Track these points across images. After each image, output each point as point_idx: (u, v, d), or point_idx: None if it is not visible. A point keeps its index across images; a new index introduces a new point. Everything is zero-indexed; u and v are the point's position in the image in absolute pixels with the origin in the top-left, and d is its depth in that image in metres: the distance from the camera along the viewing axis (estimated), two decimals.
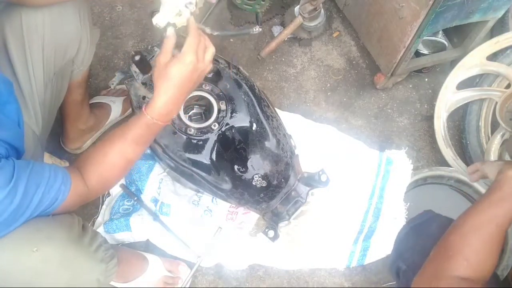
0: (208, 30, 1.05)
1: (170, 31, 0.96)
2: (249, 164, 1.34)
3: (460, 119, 1.68)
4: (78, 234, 0.95)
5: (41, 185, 0.85)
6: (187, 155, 1.30)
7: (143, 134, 0.99)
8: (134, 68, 1.31)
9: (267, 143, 1.35)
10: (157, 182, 1.50)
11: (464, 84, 1.60)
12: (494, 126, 1.55)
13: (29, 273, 0.88)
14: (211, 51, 0.99)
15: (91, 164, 0.98)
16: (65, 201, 0.90)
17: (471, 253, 0.84)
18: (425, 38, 1.52)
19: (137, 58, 1.14)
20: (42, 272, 0.89)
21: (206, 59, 0.99)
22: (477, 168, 1.12)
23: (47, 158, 1.49)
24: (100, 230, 1.44)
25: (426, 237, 1.02)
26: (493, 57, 1.58)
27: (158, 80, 0.95)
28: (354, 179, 1.54)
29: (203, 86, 1.32)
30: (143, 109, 0.97)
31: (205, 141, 1.30)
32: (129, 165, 1.04)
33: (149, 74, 1.29)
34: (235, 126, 1.32)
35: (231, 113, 1.32)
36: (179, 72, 0.94)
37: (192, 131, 1.29)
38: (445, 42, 1.68)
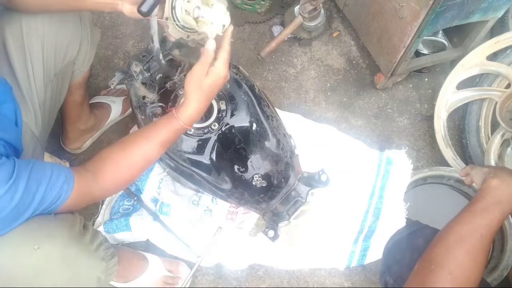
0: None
1: (211, 45, 0.99)
2: (249, 164, 1.34)
3: (460, 119, 1.68)
4: (79, 232, 0.95)
5: (43, 183, 0.86)
6: (187, 155, 1.30)
7: (170, 138, 1.02)
8: (134, 68, 1.31)
9: (267, 143, 1.35)
10: (157, 182, 1.50)
11: (464, 84, 1.60)
12: (494, 126, 1.55)
13: (30, 271, 0.88)
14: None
15: (109, 164, 0.98)
16: (68, 200, 0.90)
17: (455, 266, 0.83)
18: (425, 38, 1.52)
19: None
20: (43, 270, 0.89)
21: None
22: (468, 172, 1.11)
23: (47, 158, 1.49)
24: (100, 230, 1.44)
25: (412, 250, 1.01)
26: (493, 57, 1.58)
27: (194, 90, 1.00)
28: (354, 179, 1.54)
29: None
30: (174, 114, 1.00)
31: (205, 141, 1.30)
32: (148, 166, 1.06)
33: (151, 73, 1.30)
34: (235, 125, 1.32)
35: (231, 112, 1.32)
36: (214, 84, 1.00)
37: (192, 131, 1.29)
38: (445, 42, 1.68)
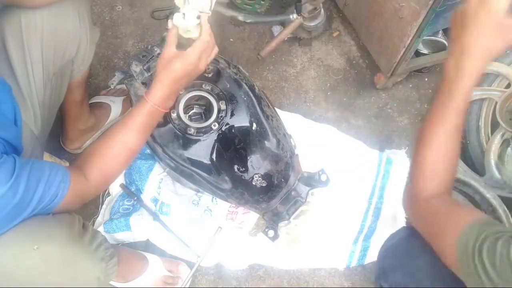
0: (240, 18, 1.10)
1: (170, 24, 1.03)
2: (249, 163, 1.34)
3: None
4: (78, 233, 0.95)
5: (42, 181, 0.86)
6: (187, 155, 1.30)
7: (145, 121, 1.03)
8: (134, 68, 1.31)
9: (267, 143, 1.35)
10: (157, 182, 1.50)
11: None
12: (494, 126, 1.55)
13: (30, 272, 0.88)
14: (214, 52, 1.07)
15: (94, 157, 1.00)
16: (65, 198, 0.90)
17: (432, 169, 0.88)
18: (425, 38, 1.52)
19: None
20: (42, 271, 0.89)
21: (209, 60, 1.07)
22: None
23: (47, 158, 1.49)
24: (100, 230, 1.44)
25: (407, 256, 0.99)
26: None
27: (161, 71, 1.03)
28: (354, 179, 1.54)
29: (203, 85, 1.32)
30: (144, 96, 1.03)
31: (205, 140, 1.30)
32: (132, 155, 1.06)
33: (151, 73, 1.30)
34: (235, 125, 1.32)
35: (231, 112, 1.32)
36: (181, 68, 1.02)
37: (192, 131, 1.29)
38: (445, 42, 1.68)
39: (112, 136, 1.02)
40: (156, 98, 1.02)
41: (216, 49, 1.08)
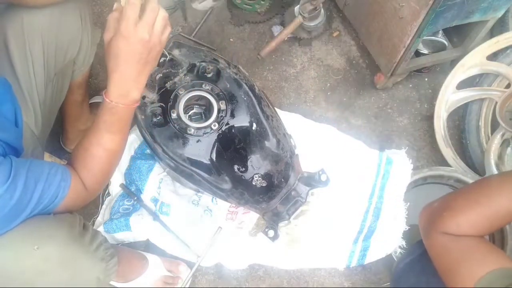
0: None
1: (116, 6, 0.90)
2: (249, 163, 1.34)
3: (460, 119, 1.68)
4: (78, 233, 0.95)
5: (41, 181, 0.86)
6: (187, 155, 1.29)
7: (111, 121, 0.96)
8: None
9: (267, 143, 1.35)
10: (157, 182, 1.50)
11: (464, 84, 1.60)
12: (494, 126, 1.55)
13: (30, 272, 0.88)
14: (161, 16, 0.90)
15: (78, 160, 0.99)
16: (65, 198, 0.90)
17: None
18: (425, 38, 1.52)
19: None
20: (43, 271, 0.89)
21: (156, 26, 0.90)
22: None
23: (47, 158, 1.49)
24: (100, 230, 1.45)
25: (428, 275, 0.95)
26: (493, 56, 1.58)
27: (106, 60, 0.90)
28: (354, 179, 1.54)
29: (203, 85, 1.32)
30: (103, 93, 0.95)
31: (205, 140, 1.30)
32: (112, 155, 1.02)
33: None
34: (235, 125, 1.32)
35: (231, 112, 1.32)
36: (113, 45, 0.88)
37: (192, 131, 1.29)
38: (445, 42, 1.68)
39: (87, 138, 1.00)
40: (111, 93, 0.92)
41: (161, 13, 0.89)
